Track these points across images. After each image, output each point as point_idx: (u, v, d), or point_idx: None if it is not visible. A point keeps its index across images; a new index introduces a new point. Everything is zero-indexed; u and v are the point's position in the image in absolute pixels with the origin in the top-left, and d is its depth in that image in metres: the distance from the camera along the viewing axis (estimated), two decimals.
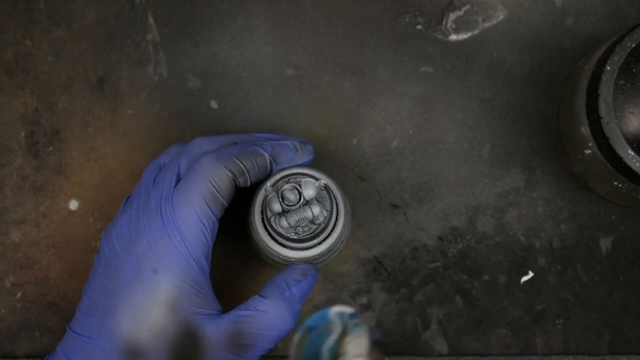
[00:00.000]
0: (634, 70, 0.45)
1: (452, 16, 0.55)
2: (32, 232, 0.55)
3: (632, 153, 0.45)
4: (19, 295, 0.55)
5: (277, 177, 0.46)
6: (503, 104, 0.55)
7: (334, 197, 0.46)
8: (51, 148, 0.55)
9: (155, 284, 0.44)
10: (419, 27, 0.55)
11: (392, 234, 0.55)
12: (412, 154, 0.55)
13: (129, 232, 0.45)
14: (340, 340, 0.32)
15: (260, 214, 0.46)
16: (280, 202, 0.44)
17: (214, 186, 0.45)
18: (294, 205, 0.44)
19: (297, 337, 0.32)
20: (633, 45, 0.45)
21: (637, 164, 0.45)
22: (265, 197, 0.45)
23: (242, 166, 0.45)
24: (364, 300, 0.54)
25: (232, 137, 0.49)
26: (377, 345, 0.32)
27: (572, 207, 0.54)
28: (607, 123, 0.45)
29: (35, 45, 0.55)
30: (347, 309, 0.33)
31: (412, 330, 0.54)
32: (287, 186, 0.44)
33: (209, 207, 0.45)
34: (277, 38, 0.55)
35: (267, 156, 0.47)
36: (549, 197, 0.54)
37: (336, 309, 0.33)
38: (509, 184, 0.54)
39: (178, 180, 0.46)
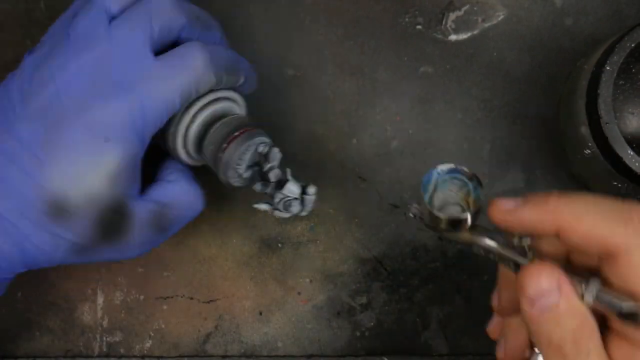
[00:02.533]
0: (633, 70, 0.45)
1: (452, 16, 0.55)
2: None
3: (632, 153, 0.45)
4: (19, 295, 0.55)
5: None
6: (503, 104, 0.55)
7: None
8: None
9: (104, 153, 0.42)
10: (419, 27, 0.55)
11: (392, 234, 0.55)
12: (412, 154, 0.55)
13: (83, 88, 0.43)
14: (431, 196, 0.39)
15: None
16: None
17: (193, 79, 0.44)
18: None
19: (426, 197, 0.38)
20: (633, 45, 0.45)
21: (637, 164, 0.45)
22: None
23: (196, 12, 0.46)
24: (363, 300, 0.54)
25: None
26: (462, 190, 0.38)
27: None
28: (607, 123, 0.45)
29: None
30: (445, 166, 0.39)
31: (412, 330, 0.54)
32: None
33: (178, 103, 0.44)
34: (277, 38, 0.55)
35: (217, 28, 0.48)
36: None
37: (438, 168, 0.39)
38: (509, 184, 0.55)
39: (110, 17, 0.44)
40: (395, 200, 0.55)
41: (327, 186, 0.55)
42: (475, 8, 0.55)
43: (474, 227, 0.38)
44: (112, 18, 0.44)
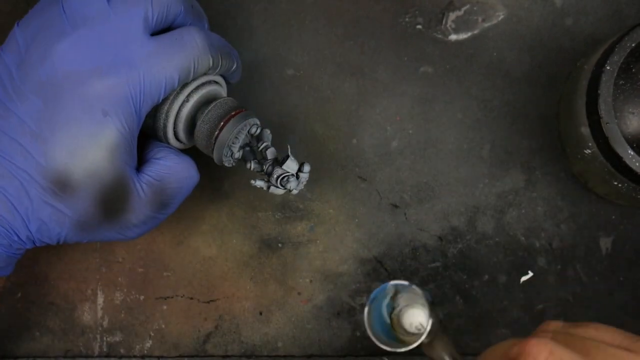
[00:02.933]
0: (633, 70, 0.45)
1: (452, 16, 0.55)
2: None
3: (632, 153, 0.45)
4: (19, 295, 0.55)
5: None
6: (503, 104, 0.55)
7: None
8: None
9: (104, 127, 0.43)
10: (419, 27, 0.55)
11: (392, 234, 0.55)
12: (412, 154, 0.55)
13: (80, 63, 0.43)
14: (393, 298, 0.41)
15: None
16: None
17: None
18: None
19: (365, 310, 0.40)
20: (633, 45, 0.45)
21: (637, 164, 0.45)
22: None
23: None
24: (363, 300, 0.54)
25: None
26: (424, 296, 0.41)
27: (572, 207, 0.54)
28: (607, 123, 0.45)
29: None
30: (401, 282, 0.41)
31: None
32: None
33: (177, 80, 0.44)
34: (277, 38, 0.55)
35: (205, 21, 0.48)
36: (549, 197, 0.54)
37: (392, 282, 0.41)
38: (509, 184, 0.54)
39: None
40: (395, 200, 0.55)
41: (327, 186, 0.55)
42: (475, 8, 0.55)
43: (431, 342, 0.40)
44: None
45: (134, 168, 0.46)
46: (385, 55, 0.55)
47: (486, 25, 0.55)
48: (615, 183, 0.48)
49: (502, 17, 0.55)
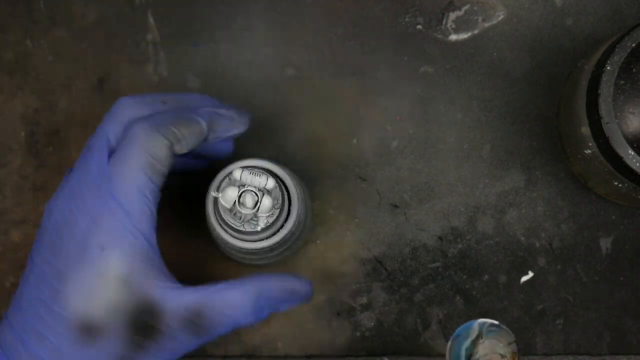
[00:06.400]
0: (634, 70, 0.45)
1: (452, 16, 0.55)
2: (32, 232, 0.55)
3: (632, 153, 0.45)
4: None
5: (223, 176, 0.45)
6: (503, 104, 0.55)
7: (287, 190, 0.46)
8: (51, 148, 0.55)
9: (105, 261, 0.42)
10: (419, 27, 0.55)
11: (392, 234, 0.55)
12: (412, 154, 0.55)
13: (70, 208, 0.43)
14: (474, 342, 0.39)
15: (212, 206, 0.46)
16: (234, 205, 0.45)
17: (152, 157, 0.42)
18: (249, 209, 0.44)
19: (448, 345, 0.39)
20: (633, 45, 0.45)
21: (637, 164, 0.45)
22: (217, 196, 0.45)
23: (179, 133, 0.43)
24: (364, 300, 0.54)
25: (159, 96, 0.46)
26: (511, 345, 0.39)
27: (572, 207, 0.54)
28: (607, 123, 0.45)
29: (35, 45, 0.55)
30: (490, 321, 0.39)
31: (412, 330, 0.54)
32: (246, 190, 0.44)
33: (149, 179, 0.43)
34: (277, 38, 0.55)
35: (204, 125, 0.45)
36: (549, 197, 0.54)
37: (480, 320, 0.39)
38: (509, 184, 0.54)
39: (110, 150, 0.44)
40: (395, 200, 0.55)
41: (327, 186, 0.55)
42: (475, 8, 0.55)
43: None
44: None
45: (165, 286, 0.43)
46: (385, 55, 0.55)
47: (486, 25, 0.55)
48: (616, 183, 0.48)
49: (502, 17, 0.55)
